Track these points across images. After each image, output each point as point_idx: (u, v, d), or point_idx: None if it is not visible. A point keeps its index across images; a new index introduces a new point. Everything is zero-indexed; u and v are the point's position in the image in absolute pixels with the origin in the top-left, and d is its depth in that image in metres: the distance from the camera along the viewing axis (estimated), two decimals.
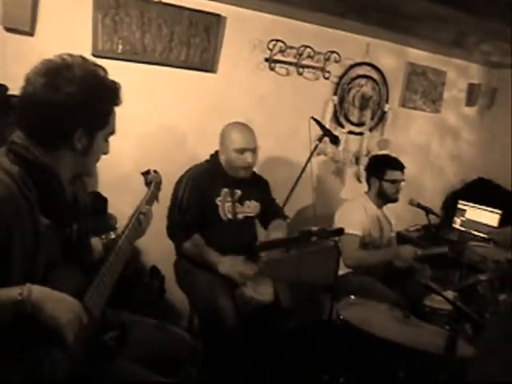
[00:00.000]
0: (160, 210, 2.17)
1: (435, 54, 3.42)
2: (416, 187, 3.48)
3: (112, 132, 1.26)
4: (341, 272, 2.63)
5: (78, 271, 1.22)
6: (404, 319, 1.80)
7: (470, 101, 3.68)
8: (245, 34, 2.67)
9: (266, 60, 2.75)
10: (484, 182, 3.70)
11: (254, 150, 2.23)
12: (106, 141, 1.26)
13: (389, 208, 2.81)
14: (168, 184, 2.14)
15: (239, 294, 2.06)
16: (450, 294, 2.28)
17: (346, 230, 2.55)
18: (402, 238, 3.39)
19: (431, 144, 3.61)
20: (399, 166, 2.65)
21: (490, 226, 3.33)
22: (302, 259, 1.82)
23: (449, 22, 2.89)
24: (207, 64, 2.56)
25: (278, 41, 2.73)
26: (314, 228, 1.80)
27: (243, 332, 1.99)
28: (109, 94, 1.19)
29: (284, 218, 2.50)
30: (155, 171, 1.98)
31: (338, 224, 2.64)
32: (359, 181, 3.17)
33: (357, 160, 3.18)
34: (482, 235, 3.31)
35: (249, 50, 2.69)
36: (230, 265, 2.08)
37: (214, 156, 2.32)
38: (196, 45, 2.50)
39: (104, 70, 1.19)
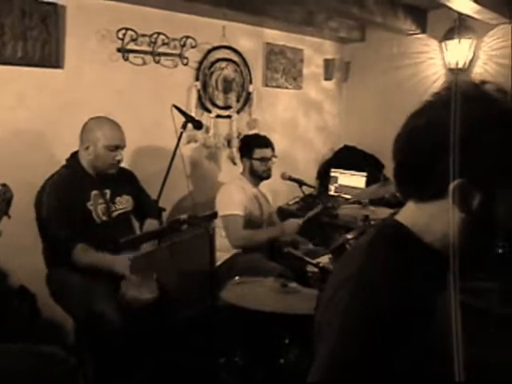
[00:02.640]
0: (22, 226, 1.99)
1: (290, 33, 3.57)
2: (290, 161, 3.64)
3: None
4: (228, 255, 2.69)
5: None
6: (282, 289, 1.88)
7: (328, 75, 3.93)
8: (90, 24, 2.50)
9: (119, 50, 2.62)
10: (349, 148, 4.00)
11: (123, 147, 2.17)
12: None
13: (268, 184, 2.91)
14: (25, 193, 1.95)
15: (121, 296, 1.98)
16: (326, 256, 2.45)
17: (228, 212, 2.62)
18: (283, 212, 3.55)
19: (298, 119, 3.79)
20: (267, 144, 2.73)
21: (359, 189, 3.63)
22: (175, 249, 1.79)
23: (297, 2, 3.04)
24: (51, 59, 2.36)
25: (127, 29, 2.61)
26: (183, 216, 1.78)
27: (131, 333, 1.93)
28: None
29: (159, 212, 2.45)
30: (3, 184, 1.78)
31: (218, 208, 2.67)
32: (234, 163, 3.22)
33: (229, 143, 3.21)
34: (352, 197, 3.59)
35: (97, 40, 2.54)
36: (127, 263, 1.97)
37: (72, 159, 2.17)
38: (34, 38, 2.28)
39: None
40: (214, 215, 1.97)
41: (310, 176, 3.87)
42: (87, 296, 1.93)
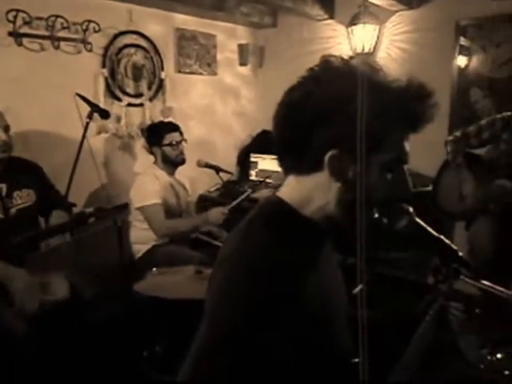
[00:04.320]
0: None
1: (201, 18, 3.51)
2: (208, 149, 3.62)
3: None
4: (147, 246, 2.62)
5: None
6: (198, 276, 1.88)
7: (242, 60, 3.92)
8: None
9: (10, 34, 2.41)
10: (268, 133, 4.05)
11: (5, 128, 2.00)
12: None
13: (187, 172, 2.87)
14: None
15: (24, 300, 1.85)
16: None
17: (146, 203, 2.54)
18: (204, 200, 3.53)
19: (215, 105, 3.75)
20: (175, 128, 2.68)
21: (278, 172, 3.69)
22: (83, 244, 1.71)
23: None
24: None
25: (18, 11, 2.40)
26: (89, 209, 1.70)
27: (38, 338, 1.82)
28: None
29: (69, 206, 2.32)
30: None
31: (134, 200, 2.59)
32: (149, 152, 3.13)
33: (142, 132, 3.10)
34: (272, 182, 3.65)
35: None
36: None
37: None
38: None
39: None
40: (124, 207, 1.89)
41: (230, 162, 3.88)
42: None
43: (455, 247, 0.83)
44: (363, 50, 3.45)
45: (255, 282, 0.68)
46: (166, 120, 2.88)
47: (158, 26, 3.22)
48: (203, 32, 3.56)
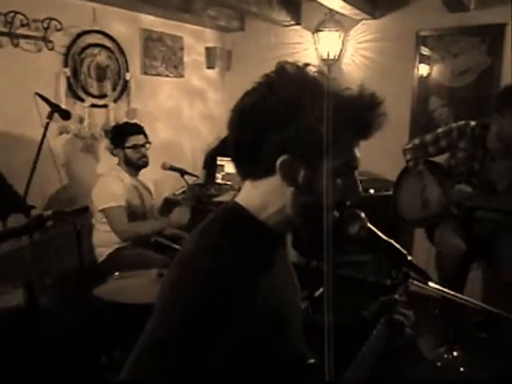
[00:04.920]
0: None
1: (168, 19, 3.48)
2: (175, 151, 3.60)
3: None
4: (110, 250, 2.57)
5: None
6: (159, 279, 1.86)
7: (210, 63, 3.91)
8: None
9: None
10: None
11: None
12: None
13: (154, 174, 2.84)
14: None
15: None
16: None
17: (109, 205, 2.49)
18: (169, 202, 3.50)
19: (181, 107, 3.73)
20: (139, 130, 2.65)
21: None
22: (39, 248, 1.66)
23: None
24: None
25: None
26: (47, 212, 1.66)
27: None
28: None
29: (28, 209, 2.24)
30: None
31: (96, 201, 2.53)
32: (113, 154, 3.07)
33: (106, 133, 3.04)
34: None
35: None
36: None
37: None
38: None
39: None
40: (84, 210, 1.86)
41: (197, 165, 3.86)
42: None
43: (404, 251, 0.86)
44: (329, 56, 3.52)
45: (207, 283, 0.68)
46: (129, 121, 2.82)
47: (123, 26, 3.17)
48: (170, 34, 3.54)
